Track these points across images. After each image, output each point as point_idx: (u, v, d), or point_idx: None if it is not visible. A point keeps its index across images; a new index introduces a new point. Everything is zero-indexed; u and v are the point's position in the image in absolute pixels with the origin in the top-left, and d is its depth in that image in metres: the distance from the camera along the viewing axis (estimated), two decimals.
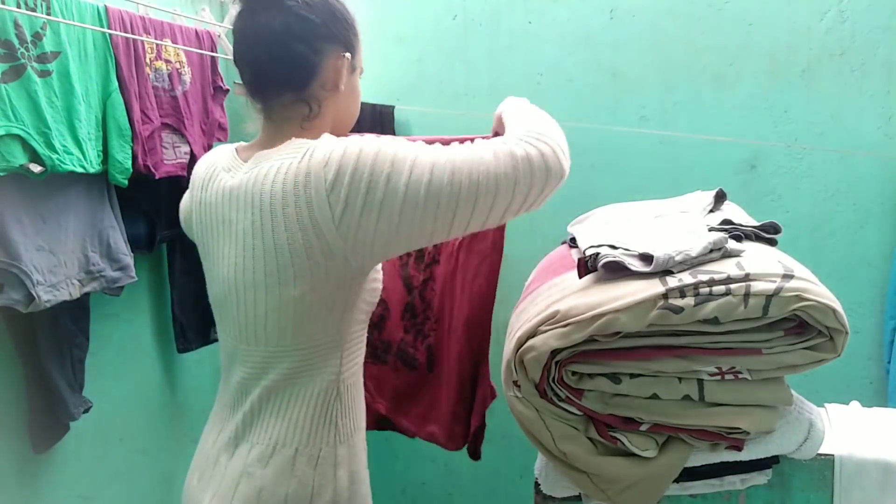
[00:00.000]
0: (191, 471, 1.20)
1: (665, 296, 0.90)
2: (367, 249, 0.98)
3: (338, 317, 1.05)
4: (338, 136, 1.03)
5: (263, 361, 1.07)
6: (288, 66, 1.05)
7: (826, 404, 1.21)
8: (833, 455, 1.03)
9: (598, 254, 0.99)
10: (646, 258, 0.96)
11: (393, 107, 2.38)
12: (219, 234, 1.07)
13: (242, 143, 1.14)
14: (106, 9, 1.73)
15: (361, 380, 1.17)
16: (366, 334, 1.17)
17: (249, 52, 1.06)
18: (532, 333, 0.96)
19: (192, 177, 1.17)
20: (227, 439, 1.11)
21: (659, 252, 0.94)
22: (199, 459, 1.19)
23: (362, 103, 2.38)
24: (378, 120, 2.38)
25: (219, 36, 2.20)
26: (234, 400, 1.12)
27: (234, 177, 1.05)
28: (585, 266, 1.00)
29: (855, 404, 1.23)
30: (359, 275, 1.03)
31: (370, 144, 0.96)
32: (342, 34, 1.11)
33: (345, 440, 1.10)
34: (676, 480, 1.00)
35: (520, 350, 0.96)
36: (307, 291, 1.00)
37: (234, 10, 1.12)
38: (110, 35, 1.73)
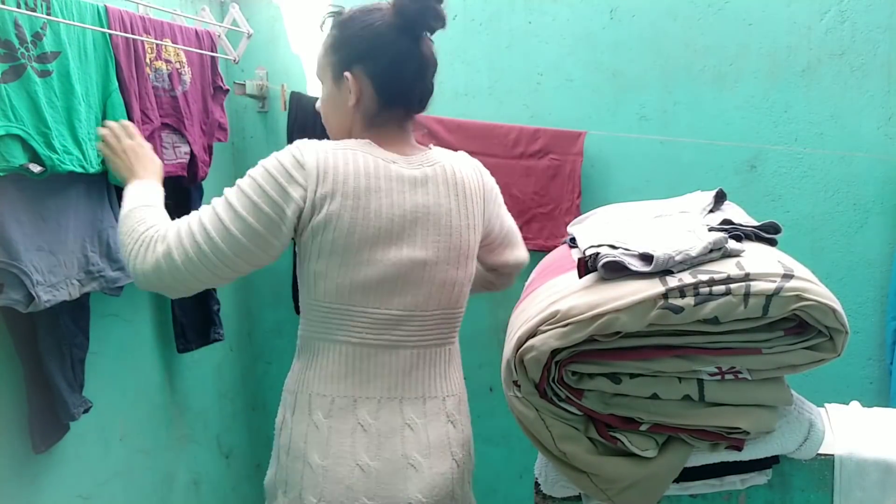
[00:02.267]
0: (346, 459, 1.18)
1: (665, 295, 0.90)
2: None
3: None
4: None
5: (444, 323, 1.30)
6: (429, 94, 1.36)
7: (826, 404, 1.21)
8: (833, 455, 1.03)
9: (598, 254, 0.99)
10: (646, 258, 0.96)
11: None
12: (403, 217, 1.23)
13: (357, 141, 1.27)
14: (106, 9, 1.73)
15: None
16: None
17: (424, 76, 1.32)
18: (532, 333, 0.96)
19: (328, 170, 1.21)
20: (409, 401, 1.24)
21: (659, 252, 0.94)
22: (357, 441, 1.20)
23: None
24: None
25: (219, 36, 2.20)
26: (408, 364, 1.25)
27: (416, 168, 1.26)
28: (585, 266, 1.00)
29: (855, 404, 1.23)
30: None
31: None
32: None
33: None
34: (676, 480, 1.00)
35: (520, 350, 0.96)
36: (474, 266, 1.36)
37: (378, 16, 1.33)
38: (110, 35, 1.73)
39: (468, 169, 1.35)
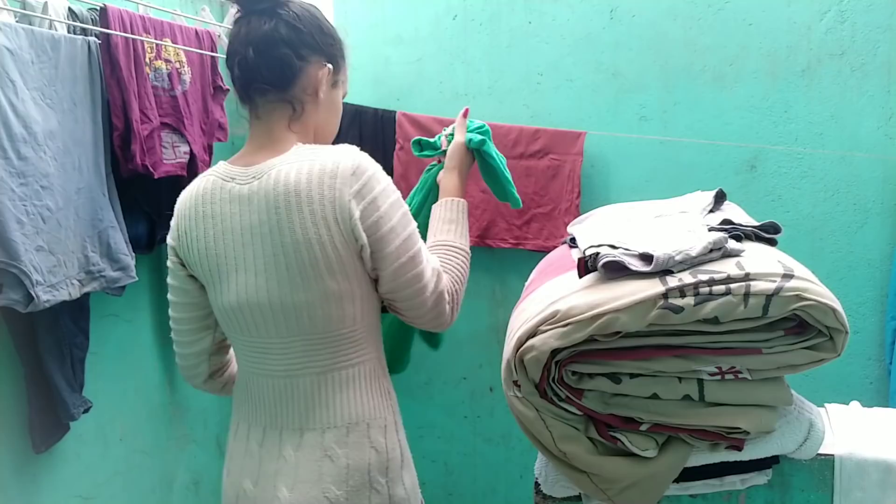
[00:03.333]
0: (235, 480, 1.20)
1: (665, 295, 0.90)
2: (370, 250, 1.12)
3: (361, 306, 1.16)
4: (318, 142, 1.22)
5: (307, 350, 1.15)
6: (273, 66, 1.14)
7: (826, 404, 1.21)
8: (833, 455, 1.03)
9: (598, 253, 0.99)
10: (646, 258, 0.96)
11: (395, 112, 2.38)
12: (235, 241, 1.13)
13: (230, 159, 1.20)
14: (105, 8, 1.73)
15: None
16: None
17: (239, 52, 1.15)
18: (532, 333, 0.96)
19: (181, 205, 1.20)
20: (284, 431, 1.17)
21: (659, 252, 0.94)
22: (245, 464, 1.19)
23: (364, 108, 2.41)
24: (380, 125, 2.38)
25: (219, 36, 2.20)
26: (278, 393, 1.17)
27: (245, 183, 1.13)
28: (585, 266, 1.00)
29: (855, 404, 1.22)
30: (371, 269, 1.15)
31: (381, 174, 1.15)
32: (327, 47, 1.20)
33: (395, 406, 1.24)
34: (676, 480, 1.00)
35: (520, 350, 0.96)
36: (341, 283, 1.12)
37: (232, 16, 1.18)
38: (110, 34, 1.73)
39: (306, 171, 1.09)
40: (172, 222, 1.21)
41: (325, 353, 1.15)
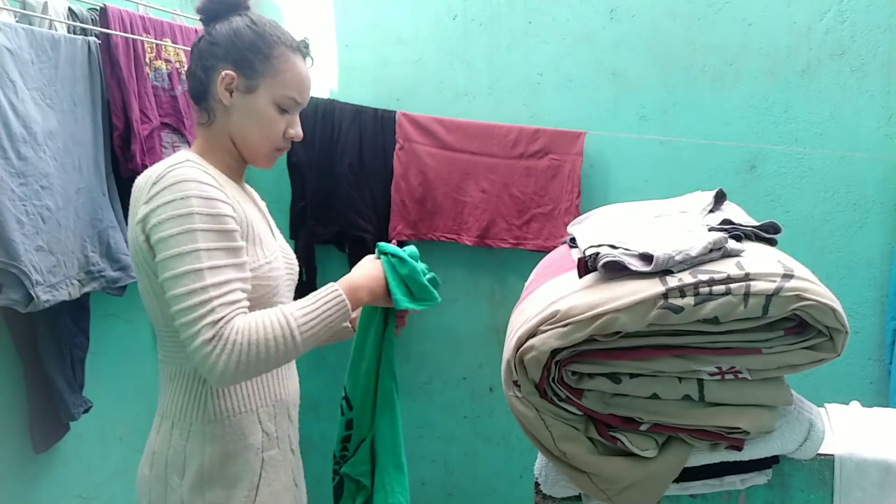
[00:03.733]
0: None
1: (665, 295, 0.90)
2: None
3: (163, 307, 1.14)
4: (243, 151, 1.25)
5: (155, 338, 1.25)
6: (192, 83, 1.26)
7: (826, 404, 1.21)
8: (833, 455, 1.03)
9: (597, 253, 0.99)
10: (646, 258, 0.96)
11: (395, 112, 2.38)
12: None
13: None
14: (105, 8, 1.73)
15: None
16: None
17: (188, 66, 1.28)
18: (532, 333, 0.96)
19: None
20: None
21: (659, 252, 0.94)
22: None
23: (364, 108, 2.41)
24: (380, 125, 2.38)
25: None
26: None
27: None
28: (585, 266, 1.00)
29: (855, 404, 1.22)
30: None
31: (180, 188, 1.09)
32: (235, 54, 1.21)
33: (218, 419, 1.20)
34: (676, 480, 1.00)
35: (520, 350, 0.96)
36: (145, 281, 1.16)
37: None
38: (110, 34, 1.73)
39: (151, 169, 1.15)
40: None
41: (159, 342, 1.24)
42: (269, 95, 1.23)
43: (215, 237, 1.09)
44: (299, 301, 1.16)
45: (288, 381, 1.32)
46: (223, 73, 1.21)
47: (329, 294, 1.17)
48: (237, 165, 1.27)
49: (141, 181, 1.15)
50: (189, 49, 1.99)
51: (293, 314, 1.11)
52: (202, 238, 1.08)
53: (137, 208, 1.12)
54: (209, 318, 1.05)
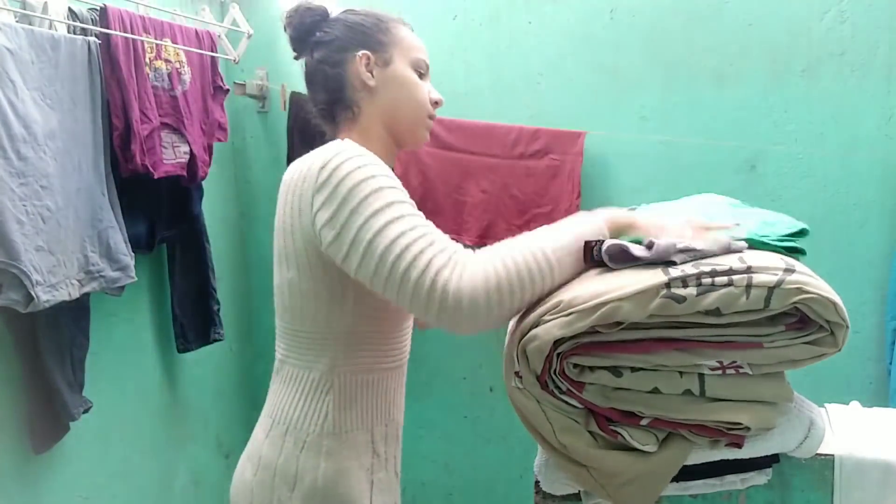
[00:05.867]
0: None
1: (668, 285, 0.91)
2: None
3: (326, 309, 1.10)
4: (400, 127, 1.23)
5: (279, 336, 1.19)
6: (323, 88, 1.22)
7: (826, 404, 1.21)
8: (833, 455, 1.03)
9: (602, 240, 0.99)
10: (648, 245, 0.97)
11: None
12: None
13: None
14: (105, 8, 1.73)
15: (379, 379, 1.19)
16: (388, 336, 1.18)
17: (309, 91, 1.26)
18: (535, 323, 0.96)
19: None
20: (264, 416, 1.22)
21: (662, 240, 0.95)
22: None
23: None
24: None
25: (219, 36, 2.20)
26: (273, 374, 1.22)
27: None
28: (591, 252, 1.00)
29: (855, 404, 1.22)
30: (342, 274, 1.06)
31: (357, 168, 1.03)
32: (358, 39, 1.20)
33: (336, 433, 1.13)
34: (676, 480, 1.00)
35: (523, 339, 0.97)
36: (294, 275, 1.10)
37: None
38: (110, 34, 1.73)
39: (302, 162, 1.10)
40: None
41: (283, 341, 1.18)
42: (404, 61, 1.22)
43: (404, 196, 1.04)
44: (543, 232, 1.01)
45: (400, 398, 1.27)
46: (357, 55, 1.19)
47: (579, 219, 1.03)
48: (389, 158, 1.22)
49: (299, 172, 1.08)
50: (187, 48, 2.00)
51: (533, 236, 0.99)
52: (394, 196, 1.02)
53: (304, 196, 1.05)
54: (436, 248, 0.96)
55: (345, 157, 1.04)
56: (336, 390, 1.14)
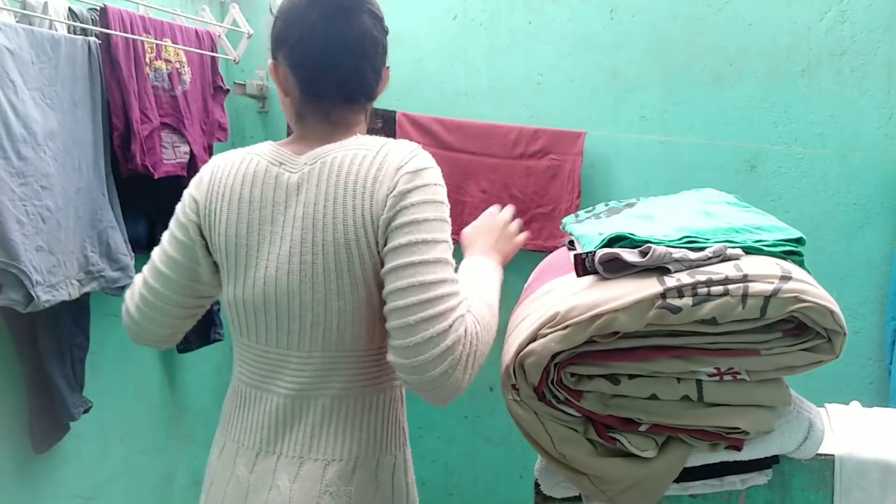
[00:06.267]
0: (225, 501, 1.07)
1: (663, 295, 0.90)
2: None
3: (377, 324, 1.03)
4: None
5: (327, 368, 1.03)
6: (372, 81, 1.09)
7: (826, 404, 1.21)
8: (833, 455, 1.03)
9: (594, 252, 0.99)
10: (643, 253, 0.96)
11: (395, 112, 2.38)
12: (268, 231, 1.03)
13: (279, 141, 1.10)
14: (105, 8, 1.73)
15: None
16: None
17: (341, 59, 1.05)
18: (532, 338, 0.96)
19: (217, 181, 1.07)
20: (281, 459, 1.04)
21: (658, 247, 0.95)
22: (230, 491, 1.06)
23: None
24: (380, 125, 2.38)
25: (219, 36, 2.20)
26: (283, 415, 1.05)
27: (298, 170, 1.03)
28: (583, 264, 1.00)
29: (855, 404, 1.22)
30: None
31: (434, 175, 1.03)
32: (385, 51, 1.12)
33: (408, 441, 1.13)
34: (676, 480, 1.00)
35: (520, 355, 0.96)
36: (374, 290, 1.01)
37: (278, 10, 1.09)
38: (110, 34, 1.73)
39: (377, 159, 1.00)
40: (199, 196, 1.08)
41: (346, 372, 1.03)
42: None
43: (449, 236, 1.01)
44: (476, 279, 1.08)
45: None
46: (387, 69, 1.13)
47: (493, 266, 1.14)
48: None
49: (370, 161, 0.99)
50: (187, 48, 2.00)
51: (484, 296, 1.05)
52: (448, 233, 1.01)
53: (375, 191, 0.98)
54: (459, 312, 0.94)
55: (426, 164, 1.02)
56: (402, 399, 1.13)
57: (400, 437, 1.10)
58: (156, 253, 1.11)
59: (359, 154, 1.00)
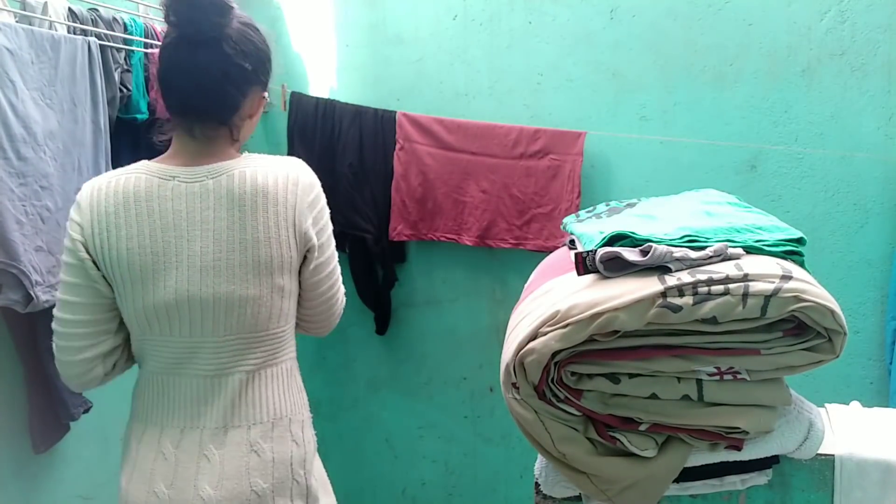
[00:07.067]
0: (142, 486, 1.18)
1: (664, 294, 0.90)
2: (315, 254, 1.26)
3: (292, 302, 1.27)
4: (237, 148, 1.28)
5: (241, 349, 1.21)
6: (218, 104, 1.19)
7: (826, 404, 1.21)
8: (833, 455, 1.03)
9: (594, 251, 0.99)
10: (644, 252, 0.96)
11: (395, 112, 2.38)
12: (182, 238, 1.16)
13: (154, 160, 1.21)
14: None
15: None
16: None
17: (184, 84, 1.17)
18: (533, 336, 0.96)
19: (99, 203, 1.17)
20: (209, 431, 1.20)
21: (658, 245, 0.95)
22: (157, 468, 1.18)
23: (364, 108, 2.41)
24: (380, 125, 2.38)
25: None
26: (203, 393, 1.20)
27: (196, 181, 1.17)
28: (584, 263, 1.00)
29: (855, 404, 1.22)
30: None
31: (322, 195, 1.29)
32: (265, 76, 1.26)
33: (307, 402, 1.34)
34: (676, 480, 1.00)
35: (520, 353, 0.96)
36: (287, 281, 1.23)
37: (164, 31, 1.20)
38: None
39: (272, 176, 1.19)
40: (81, 220, 1.18)
41: (258, 351, 1.22)
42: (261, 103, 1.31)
43: None
44: None
45: None
46: (263, 96, 1.28)
47: None
48: None
49: (285, 178, 1.20)
50: None
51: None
52: None
53: (291, 204, 1.20)
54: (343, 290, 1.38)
55: (318, 185, 1.27)
56: (299, 368, 1.35)
57: (302, 398, 1.31)
58: (58, 289, 1.21)
59: (267, 171, 1.20)
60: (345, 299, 1.39)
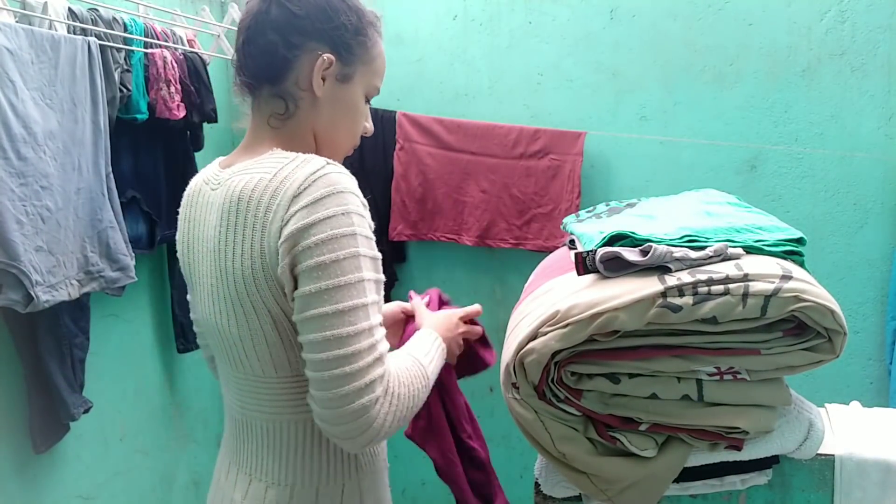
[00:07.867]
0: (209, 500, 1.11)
1: (664, 294, 0.90)
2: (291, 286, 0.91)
3: (294, 349, 0.96)
4: (324, 150, 1.03)
5: (259, 390, 0.98)
6: (259, 56, 0.98)
7: (826, 404, 1.21)
8: (833, 455, 1.03)
9: (595, 250, 0.99)
10: (644, 251, 0.96)
11: (395, 112, 2.38)
12: (199, 252, 1.00)
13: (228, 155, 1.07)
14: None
15: None
16: None
17: (237, 40, 1.01)
18: (533, 336, 0.96)
19: (182, 201, 1.09)
20: (240, 473, 1.03)
21: (658, 245, 0.95)
22: (213, 491, 1.10)
23: None
24: (380, 125, 2.38)
25: (218, 36, 2.20)
26: (239, 430, 1.03)
27: (215, 188, 0.99)
28: (584, 263, 1.00)
29: (855, 404, 1.22)
30: None
31: (341, 200, 0.89)
32: (327, 32, 0.98)
33: (367, 468, 1.03)
34: (676, 480, 1.00)
35: (520, 353, 0.96)
36: (281, 319, 0.93)
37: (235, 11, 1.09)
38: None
39: (256, 179, 0.91)
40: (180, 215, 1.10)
41: (270, 397, 0.98)
42: (362, 86, 1.04)
43: (373, 266, 0.91)
44: (413, 343, 1.04)
45: None
46: (322, 56, 0.97)
47: (435, 339, 1.08)
48: None
49: (263, 188, 0.90)
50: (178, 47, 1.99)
51: (419, 357, 1.00)
52: (367, 266, 0.89)
53: (266, 224, 0.89)
54: (380, 370, 0.87)
55: (332, 188, 0.89)
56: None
57: (347, 465, 1.01)
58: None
59: (255, 178, 0.92)
60: (398, 390, 0.90)
